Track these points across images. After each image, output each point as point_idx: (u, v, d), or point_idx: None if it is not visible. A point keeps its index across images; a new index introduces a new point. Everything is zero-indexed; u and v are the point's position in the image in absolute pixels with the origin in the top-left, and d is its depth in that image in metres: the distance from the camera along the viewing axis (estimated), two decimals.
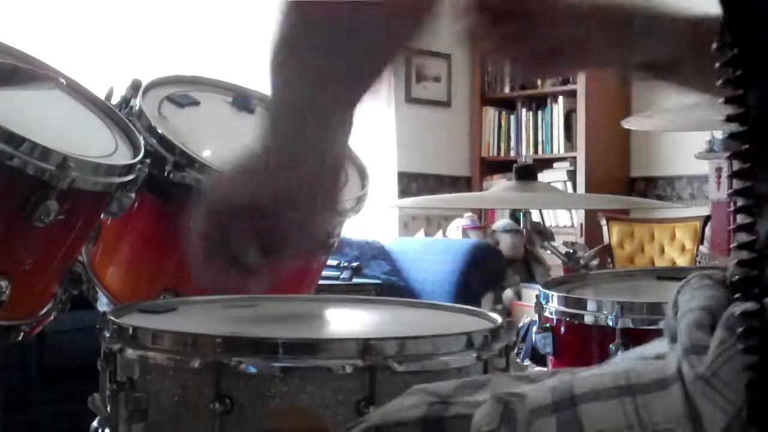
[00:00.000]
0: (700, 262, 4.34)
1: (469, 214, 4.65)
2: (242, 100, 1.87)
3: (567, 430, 0.60)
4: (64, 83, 1.56)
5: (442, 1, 0.78)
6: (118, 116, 1.65)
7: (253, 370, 0.97)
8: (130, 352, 1.05)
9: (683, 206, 5.09)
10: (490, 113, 5.48)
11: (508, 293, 4.50)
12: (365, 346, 0.98)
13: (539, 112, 5.34)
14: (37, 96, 1.57)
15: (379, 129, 4.79)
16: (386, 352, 0.98)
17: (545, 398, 0.63)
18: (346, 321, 1.39)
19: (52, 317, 1.59)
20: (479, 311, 1.28)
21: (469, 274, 3.87)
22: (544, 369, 1.48)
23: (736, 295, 0.62)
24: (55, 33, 3.57)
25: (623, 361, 0.78)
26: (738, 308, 0.61)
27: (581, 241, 4.97)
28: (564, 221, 5.30)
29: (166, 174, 1.58)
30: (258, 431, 0.98)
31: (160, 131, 1.61)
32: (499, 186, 2.48)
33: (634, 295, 1.52)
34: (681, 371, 0.61)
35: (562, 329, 1.46)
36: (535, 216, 5.12)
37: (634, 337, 1.31)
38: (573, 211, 5.14)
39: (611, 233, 4.77)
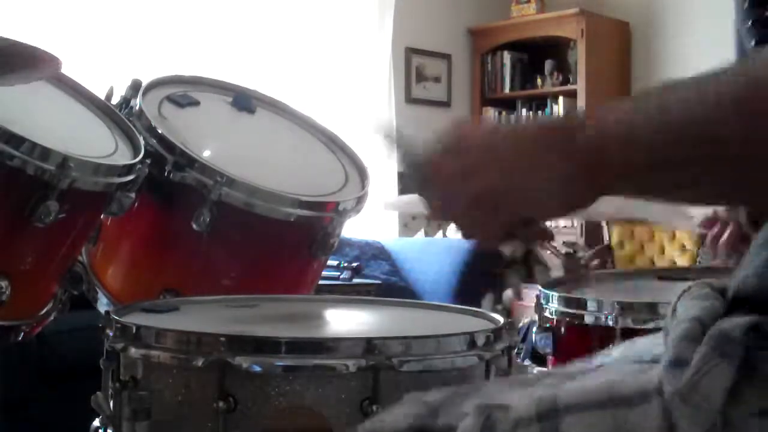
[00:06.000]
0: (700, 262, 4.34)
1: None
2: (242, 100, 1.87)
3: None
4: (62, 63, 1.55)
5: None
6: (118, 116, 1.65)
7: (256, 369, 0.97)
8: (134, 351, 1.05)
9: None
10: (490, 113, 5.48)
11: (508, 293, 4.50)
12: (369, 345, 0.98)
13: (539, 112, 5.34)
14: (38, 96, 1.57)
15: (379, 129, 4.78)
16: (390, 351, 0.99)
17: (529, 409, 0.64)
18: (348, 321, 1.38)
19: (52, 317, 1.59)
20: (481, 312, 1.28)
21: (469, 274, 3.87)
22: (542, 371, 1.48)
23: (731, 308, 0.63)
24: (55, 33, 3.57)
25: (619, 362, 0.77)
26: (726, 323, 0.61)
27: (581, 241, 4.97)
28: (564, 221, 5.30)
29: (166, 174, 1.57)
30: (261, 430, 0.97)
31: (160, 131, 1.61)
32: None
33: (634, 295, 1.51)
34: (662, 384, 0.61)
35: (562, 329, 1.46)
36: None
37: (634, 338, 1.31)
38: None
39: (611, 233, 4.78)
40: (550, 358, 1.49)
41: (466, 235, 0.77)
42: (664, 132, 0.63)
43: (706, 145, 0.61)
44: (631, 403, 0.61)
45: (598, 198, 0.69)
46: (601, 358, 0.85)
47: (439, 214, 0.77)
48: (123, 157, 1.54)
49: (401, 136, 0.80)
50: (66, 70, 1.67)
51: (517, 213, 0.71)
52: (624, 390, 0.63)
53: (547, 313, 1.48)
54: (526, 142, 0.70)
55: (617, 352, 0.86)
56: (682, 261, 4.55)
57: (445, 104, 5.38)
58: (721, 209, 1.11)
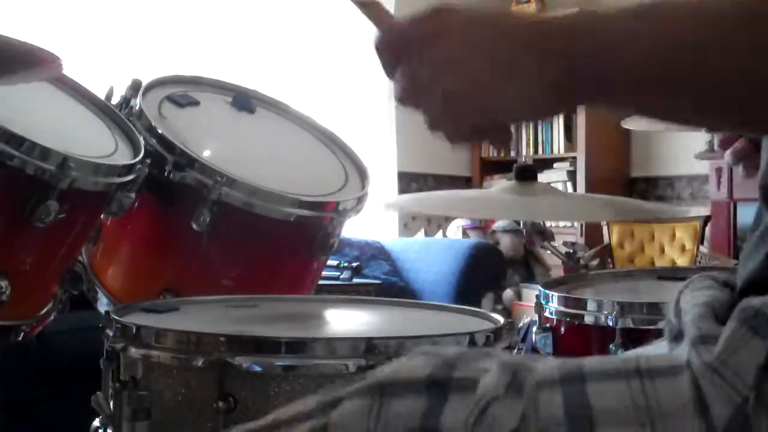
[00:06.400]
0: (700, 262, 4.34)
1: None
2: (242, 100, 1.87)
3: (574, 403, 0.59)
4: (63, 64, 1.55)
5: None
6: (118, 116, 1.65)
7: (256, 368, 0.97)
8: (134, 351, 1.05)
9: (685, 206, 5.09)
10: None
11: (508, 293, 4.50)
12: (368, 345, 0.98)
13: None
14: (38, 96, 1.57)
15: (379, 129, 4.79)
16: (389, 351, 0.98)
17: (552, 373, 0.62)
18: (348, 321, 1.38)
19: (52, 317, 1.59)
20: (481, 312, 1.29)
21: (469, 274, 3.86)
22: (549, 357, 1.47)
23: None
24: (55, 33, 3.57)
25: None
26: (755, 300, 0.60)
27: (581, 241, 4.97)
28: (564, 221, 5.30)
29: (166, 174, 1.57)
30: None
31: (160, 131, 1.61)
32: (499, 186, 2.47)
33: (634, 295, 1.51)
34: (690, 360, 0.60)
35: (562, 329, 1.46)
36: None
37: (634, 337, 1.31)
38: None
39: (611, 233, 4.77)
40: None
41: (431, 129, 0.72)
42: (672, 41, 0.59)
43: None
44: (659, 375, 0.60)
45: (576, 106, 0.66)
46: None
47: (405, 102, 0.72)
48: (123, 157, 1.54)
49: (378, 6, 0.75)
50: (66, 70, 1.67)
51: (488, 115, 0.68)
52: (652, 363, 0.61)
53: (547, 313, 1.48)
54: (505, 41, 0.66)
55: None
56: (682, 261, 4.54)
57: None
58: None
